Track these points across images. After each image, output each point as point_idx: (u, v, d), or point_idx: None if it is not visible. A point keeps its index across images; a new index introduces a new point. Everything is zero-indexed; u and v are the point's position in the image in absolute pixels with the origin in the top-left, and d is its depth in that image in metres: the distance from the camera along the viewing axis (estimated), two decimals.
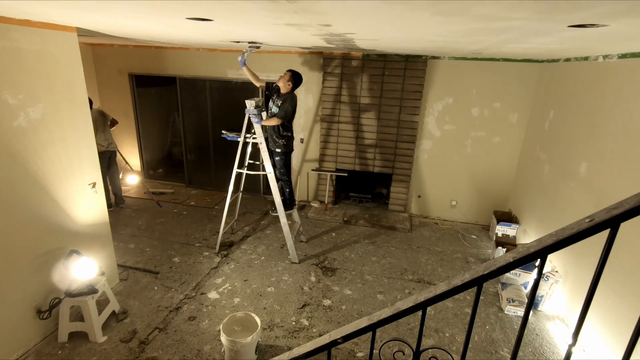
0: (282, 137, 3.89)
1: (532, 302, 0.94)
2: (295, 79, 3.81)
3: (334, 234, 4.71)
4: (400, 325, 3.06)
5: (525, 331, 1.38)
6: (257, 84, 4.02)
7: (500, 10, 1.39)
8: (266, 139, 3.93)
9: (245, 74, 4.06)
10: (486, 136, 4.83)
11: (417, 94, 4.81)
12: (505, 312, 3.28)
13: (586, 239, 0.81)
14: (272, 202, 4.07)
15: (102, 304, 2.92)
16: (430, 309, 3.23)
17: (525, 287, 3.50)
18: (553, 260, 3.45)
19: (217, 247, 4.13)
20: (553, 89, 4.01)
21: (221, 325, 2.62)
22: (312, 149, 5.46)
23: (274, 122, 3.74)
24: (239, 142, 4.04)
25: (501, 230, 4.42)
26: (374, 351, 1.16)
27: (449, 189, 5.17)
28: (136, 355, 2.68)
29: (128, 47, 5.56)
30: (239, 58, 3.79)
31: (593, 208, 2.74)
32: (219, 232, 4.16)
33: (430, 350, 1.12)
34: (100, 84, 5.92)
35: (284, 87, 3.80)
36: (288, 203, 4.13)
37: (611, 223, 0.78)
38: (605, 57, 2.99)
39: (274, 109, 3.82)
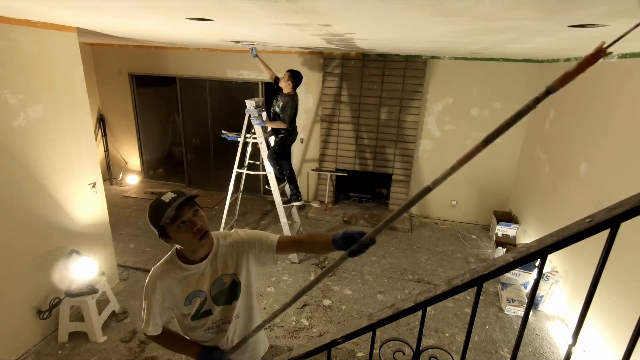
0: (281, 134, 3.99)
1: (532, 302, 0.94)
2: (295, 77, 3.88)
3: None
4: (400, 325, 3.06)
5: (525, 331, 1.38)
6: (269, 75, 4.10)
7: (500, 10, 1.39)
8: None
9: (258, 66, 4.19)
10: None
11: (417, 94, 4.81)
12: (505, 312, 3.28)
13: (586, 239, 0.81)
14: (272, 202, 4.06)
15: (102, 304, 2.92)
16: (430, 309, 3.22)
17: (525, 287, 3.50)
18: (553, 260, 3.44)
19: None
20: None
21: None
22: (312, 149, 5.46)
23: (280, 125, 3.83)
24: (239, 142, 4.04)
25: (501, 230, 4.42)
26: (374, 351, 1.15)
27: (449, 189, 5.16)
28: (136, 355, 2.68)
29: (128, 47, 5.56)
30: (251, 52, 3.99)
31: (593, 208, 2.73)
32: None
33: (430, 350, 1.12)
34: (100, 84, 5.92)
35: (285, 87, 3.87)
36: (284, 178, 4.21)
37: (611, 223, 0.78)
38: (605, 57, 2.99)
39: (276, 108, 3.90)
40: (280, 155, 4.11)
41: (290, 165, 4.27)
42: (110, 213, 3.41)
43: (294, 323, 3.07)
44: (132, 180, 6.21)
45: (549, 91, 0.70)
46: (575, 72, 0.69)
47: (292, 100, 3.84)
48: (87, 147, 3.01)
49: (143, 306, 1.36)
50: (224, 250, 1.40)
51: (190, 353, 1.44)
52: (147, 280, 1.36)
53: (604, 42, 0.66)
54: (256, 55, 4.01)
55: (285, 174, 4.20)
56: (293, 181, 4.24)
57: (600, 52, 0.67)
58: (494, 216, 4.68)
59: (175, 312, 1.41)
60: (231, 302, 1.42)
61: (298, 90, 3.99)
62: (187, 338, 1.47)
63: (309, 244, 1.48)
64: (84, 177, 3.00)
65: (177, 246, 1.32)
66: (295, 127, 4.03)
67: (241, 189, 4.54)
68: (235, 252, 1.41)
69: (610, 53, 0.58)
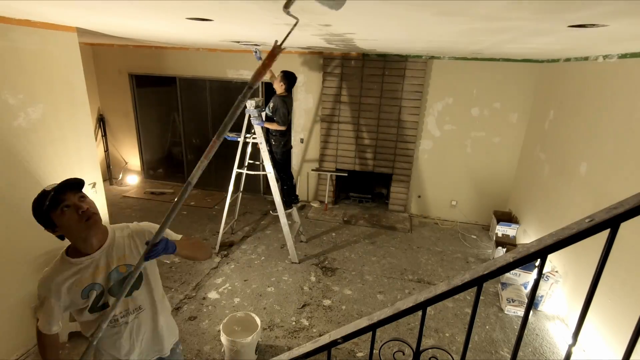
0: (273, 136, 4.01)
1: (532, 302, 0.94)
2: (288, 79, 3.86)
3: (334, 234, 4.71)
4: (400, 325, 3.06)
5: (525, 331, 1.38)
6: (272, 79, 4.10)
7: (500, 10, 1.39)
8: (267, 140, 4.00)
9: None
10: (486, 136, 4.83)
11: (417, 94, 4.81)
12: (505, 312, 3.28)
13: (586, 239, 0.81)
14: (272, 202, 4.07)
15: None
16: (430, 309, 3.23)
17: (525, 287, 3.50)
18: (553, 260, 3.44)
19: (217, 247, 4.13)
20: (553, 89, 4.01)
21: (221, 325, 2.62)
22: (312, 149, 5.46)
23: (277, 126, 3.81)
24: (239, 142, 4.04)
25: (501, 230, 4.42)
26: (374, 351, 1.15)
27: (449, 189, 5.17)
28: None
29: (128, 47, 5.56)
30: (255, 54, 3.93)
31: (593, 208, 2.73)
32: (219, 232, 4.16)
33: (430, 350, 1.12)
34: (100, 84, 5.92)
35: (278, 88, 3.90)
36: (291, 199, 4.20)
37: (611, 223, 0.78)
38: (605, 57, 2.99)
39: (267, 111, 3.91)
40: (284, 167, 4.13)
41: (291, 173, 4.30)
42: (110, 213, 3.42)
43: (294, 323, 3.07)
44: (132, 180, 6.21)
45: (250, 86, 0.91)
46: (262, 68, 0.89)
47: (284, 102, 3.82)
48: (87, 147, 3.01)
49: (38, 305, 1.31)
50: (121, 241, 1.39)
51: None
52: (38, 285, 1.31)
53: (277, 41, 0.84)
54: (260, 58, 3.94)
55: (287, 184, 4.23)
56: (292, 187, 4.28)
57: (276, 49, 0.85)
58: (494, 216, 4.68)
59: (73, 311, 1.35)
60: (131, 294, 1.40)
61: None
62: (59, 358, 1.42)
63: (192, 252, 1.50)
64: (84, 177, 2.95)
65: (68, 241, 1.30)
66: (280, 134, 4.05)
67: (241, 189, 4.55)
68: (134, 242, 1.41)
69: (284, 48, 0.77)
